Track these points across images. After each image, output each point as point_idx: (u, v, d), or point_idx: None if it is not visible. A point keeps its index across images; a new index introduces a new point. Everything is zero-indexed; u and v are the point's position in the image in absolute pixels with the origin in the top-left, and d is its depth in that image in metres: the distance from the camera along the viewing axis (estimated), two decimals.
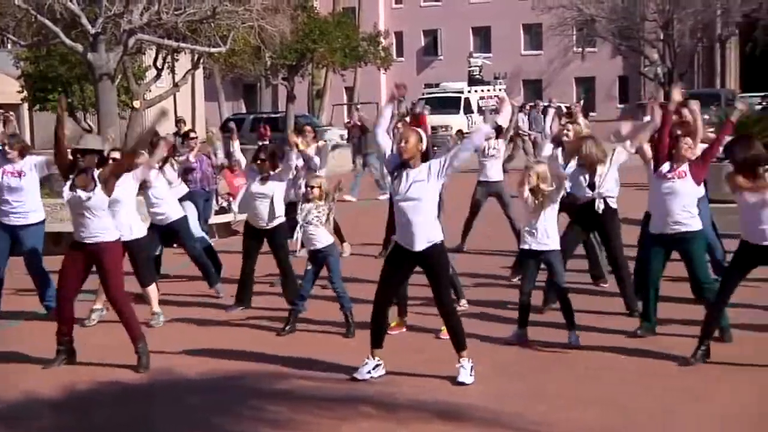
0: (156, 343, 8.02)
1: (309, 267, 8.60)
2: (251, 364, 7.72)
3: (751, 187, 6.91)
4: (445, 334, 8.19)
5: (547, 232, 7.88)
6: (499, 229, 12.62)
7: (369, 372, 7.06)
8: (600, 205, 8.75)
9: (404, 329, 8.45)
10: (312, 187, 8.47)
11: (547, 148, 9.81)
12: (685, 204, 7.76)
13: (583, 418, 6.23)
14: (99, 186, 7.36)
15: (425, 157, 6.87)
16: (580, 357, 7.61)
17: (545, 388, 6.86)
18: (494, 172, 12.07)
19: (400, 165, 6.83)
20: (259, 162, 9.43)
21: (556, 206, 7.90)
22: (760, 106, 27.45)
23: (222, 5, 20.05)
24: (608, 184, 8.81)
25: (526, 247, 7.97)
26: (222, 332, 8.85)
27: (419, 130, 7.02)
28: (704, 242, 7.98)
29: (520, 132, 21.73)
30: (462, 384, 6.83)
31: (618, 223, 8.95)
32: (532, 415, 6.25)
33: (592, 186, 8.80)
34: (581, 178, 8.87)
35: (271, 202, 9.35)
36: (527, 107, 25.87)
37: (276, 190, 9.35)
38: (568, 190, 8.51)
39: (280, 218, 9.48)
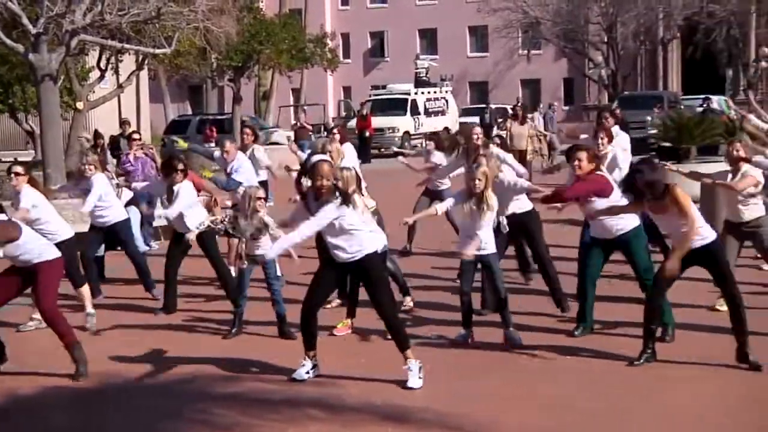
0: (102, 347, 7.92)
1: (245, 266, 8.60)
2: (198, 367, 7.66)
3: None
4: (339, 330, 8.28)
5: (486, 236, 7.91)
6: (442, 230, 12.62)
7: (307, 372, 7.10)
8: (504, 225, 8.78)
9: (350, 331, 8.45)
10: (259, 198, 8.50)
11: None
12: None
13: (532, 419, 6.28)
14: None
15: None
16: (528, 357, 7.67)
17: (494, 389, 6.90)
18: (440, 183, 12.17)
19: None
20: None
21: (495, 211, 7.93)
22: (700, 108, 27.90)
23: (167, 6, 19.84)
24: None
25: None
26: (168, 335, 8.77)
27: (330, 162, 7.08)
28: (643, 240, 8.05)
29: (537, 133, 21.73)
30: (411, 389, 6.80)
31: (539, 221, 9.10)
32: (481, 416, 6.28)
33: None
34: None
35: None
36: (542, 107, 25.81)
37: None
38: None
39: (202, 224, 9.56)
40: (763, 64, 46.32)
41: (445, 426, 6.15)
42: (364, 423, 6.28)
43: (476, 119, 38.93)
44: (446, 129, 22.68)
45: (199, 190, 15.60)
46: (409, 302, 9.14)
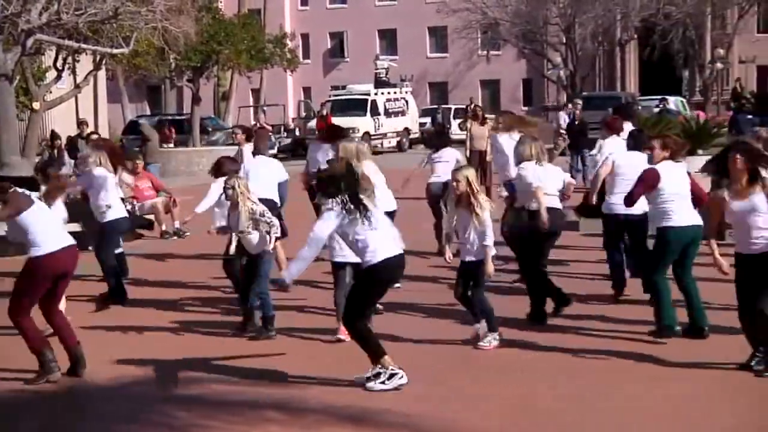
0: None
1: (243, 262, 8.53)
2: (168, 369, 7.62)
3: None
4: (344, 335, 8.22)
5: (476, 241, 7.79)
6: (424, 230, 12.60)
7: (383, 382, 6.81)
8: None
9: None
10: (229, 189, 8.37)
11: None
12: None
13: (494, 419, 6.29)
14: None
15: None
16: (496, 357, 7.69)
17: (460, 389, 6.91)
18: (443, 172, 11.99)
19: None
20: None
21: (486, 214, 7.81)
22: (657, 109, 28.21)
23: (124, 6, 19.65)
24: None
25: (466, 258, 7.89)
26: (131, 338, 8.71)
27: None
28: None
29: (561, 132, 21.69)
30: (370, 390, 6.76)
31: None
32: (442, 417, 6.28)
33: None
34: None
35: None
36: (568, 106, 25.73)
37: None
38: None
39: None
40: (719, 65, 47.00)
41: (405, 427, 6.15)
42: (324, 425, 6.27)
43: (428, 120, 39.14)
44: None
45: (157, 191, 15.53)
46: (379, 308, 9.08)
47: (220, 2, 39.94)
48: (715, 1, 35.10)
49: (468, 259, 7.84)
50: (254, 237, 8.36)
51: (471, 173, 7.88)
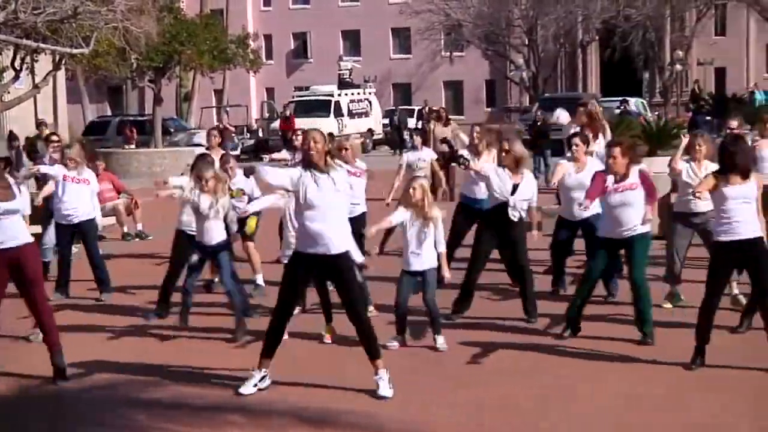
0: (34, 353, 7.74)
1: (194, 260, 8.52)
2: (131, 372, 7.56)
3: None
4: (329, 339, 8.18)
5: (429, 250, 7.85)
6: (397, 232, 12.59)
7: (255, 385, 6.89)
8: (515, 214, 8.66)
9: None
10: (207, 180, 8.33)
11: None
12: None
13: (455, 420, 6.30)
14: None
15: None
16: (456, 359, 7.71)
17: (430, 391, 6.92)
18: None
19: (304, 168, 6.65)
20: None
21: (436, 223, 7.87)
22: (618, 111, 28.41)
23: (84, 5, 19.44)
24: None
25: (412, 269, 7.92)
26: (101, 341, 8.63)
27: (321, 130, 6.89)
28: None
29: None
30: (383, 398, 6.68)
31: (523, 228, 8.88)
32: (402, 420, 6.28)
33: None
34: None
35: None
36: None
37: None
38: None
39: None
40: (678, 67, 47.51)
41: (364, 429, 6.14)
42: (288, 427, 6.24)
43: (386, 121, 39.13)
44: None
45: (119, 192, 15.40)
46: (372, 311, 9.04)
47: (182, 2, 39.66)
48: (674, 4, 35.49)
49: (417, 268, 7.85)
50: (218, 225, 8.34)
51: (426, 183, 7.96)
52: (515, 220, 8.65)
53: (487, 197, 9.22)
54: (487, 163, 9.19)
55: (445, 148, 19.54)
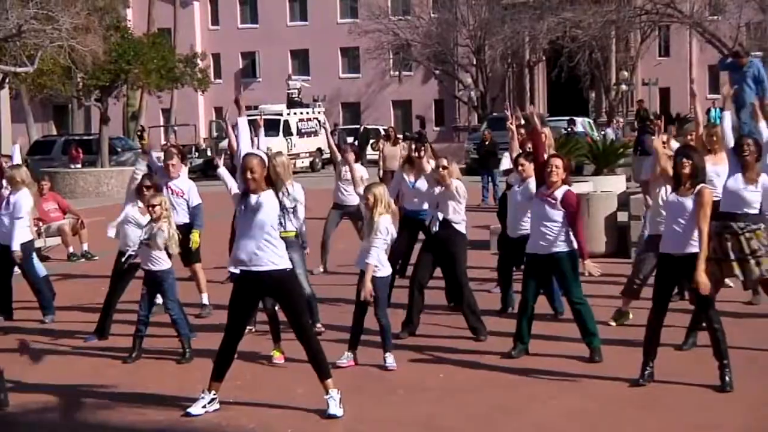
0: None
1: (144, 291, 8.40)
2: (75, 395, 7.44)
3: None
4: (278, 359, 8.11)
5: (377, 257, 7.86)
6: (339, 251, 12.57)
7: (204, 407, 6.82)
8: (434, 226, 8.71)
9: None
10: (154, 206, 8.27)
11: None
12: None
13: None
14: None
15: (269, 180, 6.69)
16: (406, 378, 7.69)
17: (373, 411, 6.88)
18: (350, 196, 12.04)
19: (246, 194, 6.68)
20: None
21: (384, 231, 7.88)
22: (565, 131, 28.68)
23: (28, 23, 19.23)
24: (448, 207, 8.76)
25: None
26: (43, 364, 8.49)
27: (261, 155, 6.91)
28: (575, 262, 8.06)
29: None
30: (333, 417, 6.63)
31: (463, 242, 8.91)
32: None
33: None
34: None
35: None
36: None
37: None
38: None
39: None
40: (624, 87, 48.20)
41: None
42: None
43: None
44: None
45: (64, 212, 15.18)
46: (320, 327, 8.99)
47: (129, 21, 39.39)
48: (619, 26, 36.02)
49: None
50: (161, 251, 8.31)
51: (379, 190, 7.92)
52: (432, 232, 8.71)
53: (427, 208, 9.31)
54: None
55: (394, 166, 19.64)
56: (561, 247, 7.86)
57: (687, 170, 7.01)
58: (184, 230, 9.72)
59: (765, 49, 32.16)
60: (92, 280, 12.66)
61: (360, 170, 12.14)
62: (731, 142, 8.40)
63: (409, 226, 10.23)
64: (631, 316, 9.09)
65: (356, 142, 33.42)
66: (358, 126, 39.33)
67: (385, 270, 7.96)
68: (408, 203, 10.29)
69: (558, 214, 7.84)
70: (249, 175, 6.57)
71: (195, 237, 9.84)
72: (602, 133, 30.36)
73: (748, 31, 34.36)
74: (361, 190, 8.34)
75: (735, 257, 7.90)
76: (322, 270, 12.24)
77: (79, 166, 31.99)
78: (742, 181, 8.05)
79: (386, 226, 7.83)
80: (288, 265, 6.72)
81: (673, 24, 36.52)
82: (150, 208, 8.31)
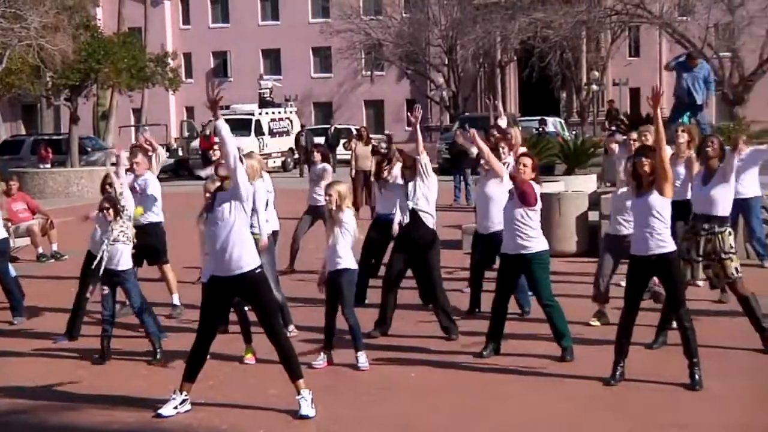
0: None
1: (105, 291, 8.32)
2: (46, 397, 7.38)
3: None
4: (249, 359, 8.08)
5: (338, 252, 7.90)
6: (309, 249, 12.54)
7: (175, 407, 6.78)
8: (406, 218, 8.70)
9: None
10: (107, 209, 8.25)
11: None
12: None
13: None
14: None
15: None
16: (378, 378, 7.68)
17: (345, 411, 6.87)
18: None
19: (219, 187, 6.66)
20: None
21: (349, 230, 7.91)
22: (536, 131, 28.81)
23: None
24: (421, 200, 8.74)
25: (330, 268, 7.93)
26: (9, 365, 8.41)
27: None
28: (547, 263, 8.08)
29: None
30: (305, 417, 6.61)
31: (436, 242, 8.90)
32: None
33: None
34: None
35: None
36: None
37: None
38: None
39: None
40: (594, 87, 48.48)
41: None
42: None
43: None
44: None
45: (33, 213, 15.04)
46: (292, 330, 8.96)
47: (99, 20, 39.12)
48: (590, 26, 36.20)
49: (331, 269, 7.89)
50: (127, 249, 8.28)
51: (342, 188, 7.92)
52: (401, 225, 8.77)
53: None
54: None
55: (366, 166, 19.62)
56: (531, 247, 7.89)
57: (647, 169, 7.05)
58: (149, 229, 9.73)
59: (733, 49, 32.44)
60: (62, 280, 12.55)
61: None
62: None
63: (380, 228, 10.26)
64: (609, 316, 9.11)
65: (325, 143, 33.36)
66: (327, 126, 39.22)
67: (351, 263, 7.95)
68: (380, 205, 10.31)
69: (528, 214, 7.86)
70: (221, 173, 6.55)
71: (138, 210, 9.57)
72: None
73: (717, 32, 34.62)
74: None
75: (704, 258, 7.96)
76: (289, 270, 12.25)
77: (48, 166, 31.73)
78: (709, 182, 8.10)
79: (352, 220, 7.86)
80: (254, 266, 6.69)
81: (643, 24, 36.75)
82: (105, 211, 8.28)
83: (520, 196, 7.84)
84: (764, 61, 31.05)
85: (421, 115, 8.95)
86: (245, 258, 6.62)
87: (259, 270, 6.72)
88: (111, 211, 8.29)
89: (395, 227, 9.16)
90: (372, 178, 11.04)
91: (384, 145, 10.38)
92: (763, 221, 11.83)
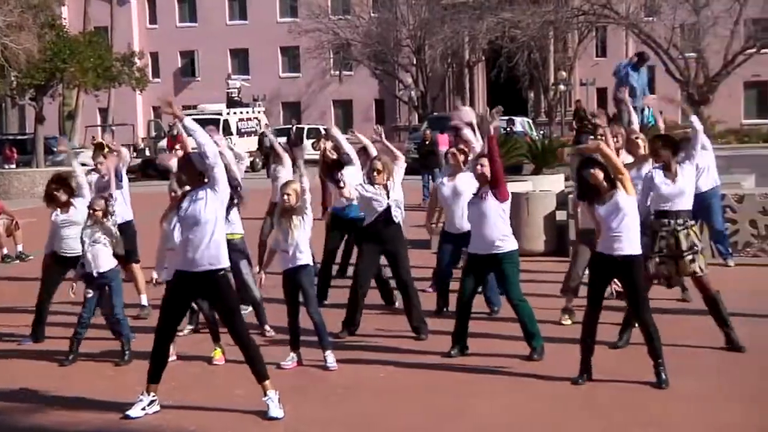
0: None
1: (90, 294, 8.26)
2: (12, 399, 7.33)
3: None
4: (218, 360, 8.05)
5: (299, 248, 7.87)
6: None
7: (143, 409, 6.74)
8: (397, 213, 8.69)
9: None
10: (95, 210, 8.20)
11: None
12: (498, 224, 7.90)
13: None
14: None
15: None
16: (346, 377, 7.68)
17: (313, 411, 6.86)
18: None
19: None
20: None
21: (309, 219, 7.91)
22: (504, 131, 28.93)
23: None
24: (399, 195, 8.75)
25: (288, 266, 7.92)
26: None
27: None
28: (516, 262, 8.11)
29: None
30: (274, 418, 6.58)
31: (405, 240, 8.93)
32: None
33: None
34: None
35: None
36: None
37: None
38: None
39: None
40: (562, 87, 48.76)
41: None
42: None
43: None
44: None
45: None
46: (269, 330, 8.94)
47: (65, 19, 38.81)
48: (557, 26, 36.43)
49: (289, 266, 7.87)
50: (108, 251, 8.22)
51: (297, 185, 7.91)
52: (397, 220, 8.72)
53: (354, 204, 9.37)
54: (352, 186, 9.06)
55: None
56: (503, 246, 7.92)
57: (600, 176, 7.10)
58: (123, 229, 9.70)
59: (698, 50, 32.76)
60: (27, 281, 12.43)
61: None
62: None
63: (338, 225, 10.28)
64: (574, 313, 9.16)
65: (287, 142, 33.30)
66: (289, 126, 39.15)
67: (310, 259, 7.95)
68: (336, 203, 10.31)
69: (497, 213, 7.89)
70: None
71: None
72: (508, 128, 30.48)
73: (682, 32, 34.95)
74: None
75: (670, 255, 8.00)
76: (257, 271, 12.20)
77: (13, 166, 31.45)
78: (663, 177, 8.13)
79: (310, 214, 7.88)
80: (223, 265, 6.66)
81: (610, 25, 37.03)
82: (91, 211, 8.23)
83: (496, 184, 7.85)
84: (728, 61, 31.42)
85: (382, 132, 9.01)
86: (216, 256, 6.58)
87: (224, 272, 6.67)
88: (100, 212, 8.22)
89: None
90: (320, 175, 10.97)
91: (333, 150, 10.34)
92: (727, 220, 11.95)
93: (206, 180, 6.54)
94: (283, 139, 34.88)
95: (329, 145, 10.19)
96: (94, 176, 10.15)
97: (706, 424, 6.39)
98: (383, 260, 9.14)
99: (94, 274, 8.21)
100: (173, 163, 8.43)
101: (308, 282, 7.95)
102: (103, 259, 8.23)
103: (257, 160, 38.36)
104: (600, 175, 7.08)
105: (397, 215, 8.72)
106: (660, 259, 8.02)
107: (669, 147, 8.19)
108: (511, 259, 7.98)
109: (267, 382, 6.72)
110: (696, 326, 8.82)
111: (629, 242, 7.11)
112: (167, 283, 6.84)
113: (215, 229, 6.56)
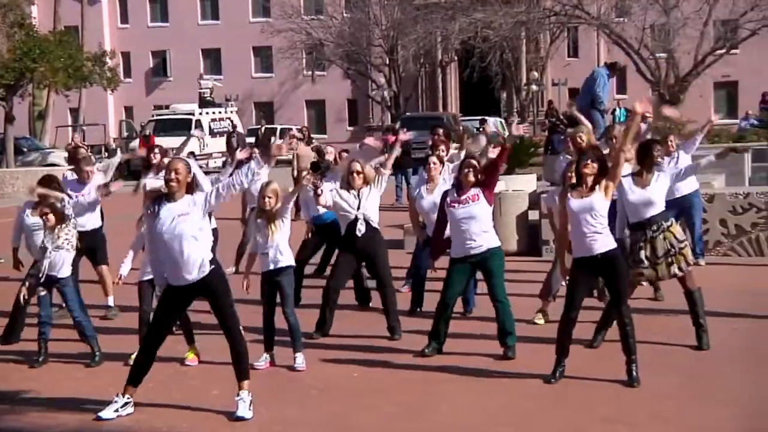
0: None
1: (43, 293, 8.20)
2: None
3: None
4: (191, 360, 8.02)
5: (280, 249, 7.88)
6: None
7: (116, 411, 6.70)
8: (362, 227, 8.72)
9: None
10: (47, 214, 8.13)
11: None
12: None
13: None
14: None
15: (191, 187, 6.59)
16: (318, 378, 7.68)
17: (284, 411, 6.85)
18: None
19: (160, 199, 6.56)
20: None
21: (288, 220, 7.91)
22: (477, 131, 29.00)
23: None
24: (372, 206, 8.79)
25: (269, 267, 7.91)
26: None
27: (187, 159, 6.88)
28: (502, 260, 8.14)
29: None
30: (241, 419, 6.56)
31: (383, 241, 8.96)
32: None
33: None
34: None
35: None
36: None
37: None
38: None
39: None
40: (534, 87, 49.00)
41: None
42: None
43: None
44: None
45: None
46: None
47: (35, 18, 38.48)
48: (529, 27, 36.58)
49: (270, 267, 7.86)
50: (68, 256, 8.17)
51: (276, 186, 7.91)
52: (359, 235, 8.70)
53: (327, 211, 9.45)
54: (327, 191, 9.06)
55: (308, 166, 19.52)
56: (488, 245, 7.94)
57: (589, 171, 7.14)
58: (93, 234, 9.85)
59: (669, 50, 32.99)
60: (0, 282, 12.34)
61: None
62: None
63: (318, 231, 10.36)
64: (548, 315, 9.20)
65: (255, 143, 33.25)
66: (258, 126, 39.06)
67: (292, 260, 7.96)
68: (312, 210, 10.34)
69: (481, 213, 7.92)
70: (173, 176, 6.47)
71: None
72: (481, 128, 30.64)
73: (653, 33, 35.18)
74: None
75: (665, 256, 8.02)
76: (233, 271, 12.17)
77: None
78: (634, 185, 8.16)
79: (288, 214, 7.88)
80: (212, 265, 6.63)
81: (581, 25, 37.23)
82: (45, 216, 8.16)
83: (491, 188, 7.94)
84: (699, 62, 31.66)
85: (407, 137, 9.06)
86: (206, 261, 6.57)
87: (216, 267, 6.65)
88: (51, 216, 8.13)
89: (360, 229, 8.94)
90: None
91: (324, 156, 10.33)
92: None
93: (195, 192, 6.53)
94: (251, 140, 34.96)
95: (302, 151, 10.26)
96: (71, 175, 10.15)
97: (677, 424, 6.45)
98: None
99: (42, 278, 8.13)
100: (159, 185, 8.27)
101: (288, 283, 7.94)
102: (62, 265, 8.16)
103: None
104: (593, 170, 7.13)
105: (362, 229, 8.71)
106: (639, 270, 8.06)
107: (649, 154, 8.24)
108: (500, 256, 8.03)
109: (245, 383, 6.71)
110: (668, 325, 8.89)
111: (604, 240, 7.16)
112: (162, 292, 6.79)
113: (201, 234, 6.54)
